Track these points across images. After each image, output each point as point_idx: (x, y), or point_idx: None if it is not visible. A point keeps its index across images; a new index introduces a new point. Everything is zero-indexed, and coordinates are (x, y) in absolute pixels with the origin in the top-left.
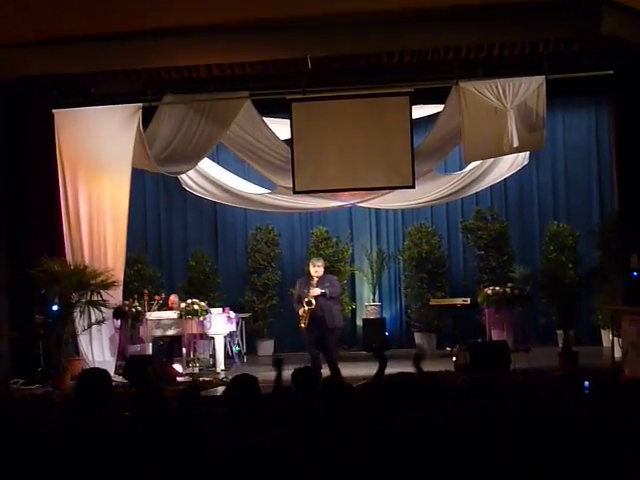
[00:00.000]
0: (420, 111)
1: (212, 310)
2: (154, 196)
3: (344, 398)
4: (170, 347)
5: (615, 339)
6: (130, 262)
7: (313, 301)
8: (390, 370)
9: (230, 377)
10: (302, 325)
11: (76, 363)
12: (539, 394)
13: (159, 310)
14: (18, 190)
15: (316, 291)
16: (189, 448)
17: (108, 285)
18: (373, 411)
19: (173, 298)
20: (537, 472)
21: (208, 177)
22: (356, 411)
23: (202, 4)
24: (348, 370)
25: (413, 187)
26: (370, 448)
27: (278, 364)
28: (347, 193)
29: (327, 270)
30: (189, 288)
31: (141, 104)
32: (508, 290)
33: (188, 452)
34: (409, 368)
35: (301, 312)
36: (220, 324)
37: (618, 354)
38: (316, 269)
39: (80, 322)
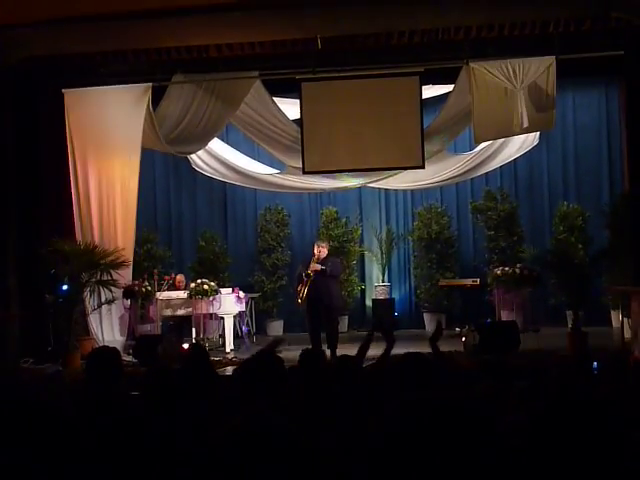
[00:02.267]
0: (430, 91)
1: (222, 290)
2: (164, 176)
3: (350, 378)
4: (180, 327)
5: (625, 320)
6: (140, 242)
7: (312, 274)
8: (399, 350)
9: (239, 357)
10: (299, 301)
11: (86, 342)
12: (548, 375)
13: (169, 290)
14: (28, 171)
15: (316, 266)
16: (196, 428)
17: (118, 265)
18: (380, 391)
19: (180, 278)
20: (548, 452)
21: (218, 157)
22: (364, 391)
23: None
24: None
25: (423, 167)
26: (376, 428)
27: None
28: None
29: (337, 250)
30: (199, 268)
31: (151, 84)
32: (517, 270)
33: (194, 432)
34: (417, 348)
35: (298, 288)
36: (229, 304)
37: (628, 335)
38: (319, 249)
39: (90, 302)
